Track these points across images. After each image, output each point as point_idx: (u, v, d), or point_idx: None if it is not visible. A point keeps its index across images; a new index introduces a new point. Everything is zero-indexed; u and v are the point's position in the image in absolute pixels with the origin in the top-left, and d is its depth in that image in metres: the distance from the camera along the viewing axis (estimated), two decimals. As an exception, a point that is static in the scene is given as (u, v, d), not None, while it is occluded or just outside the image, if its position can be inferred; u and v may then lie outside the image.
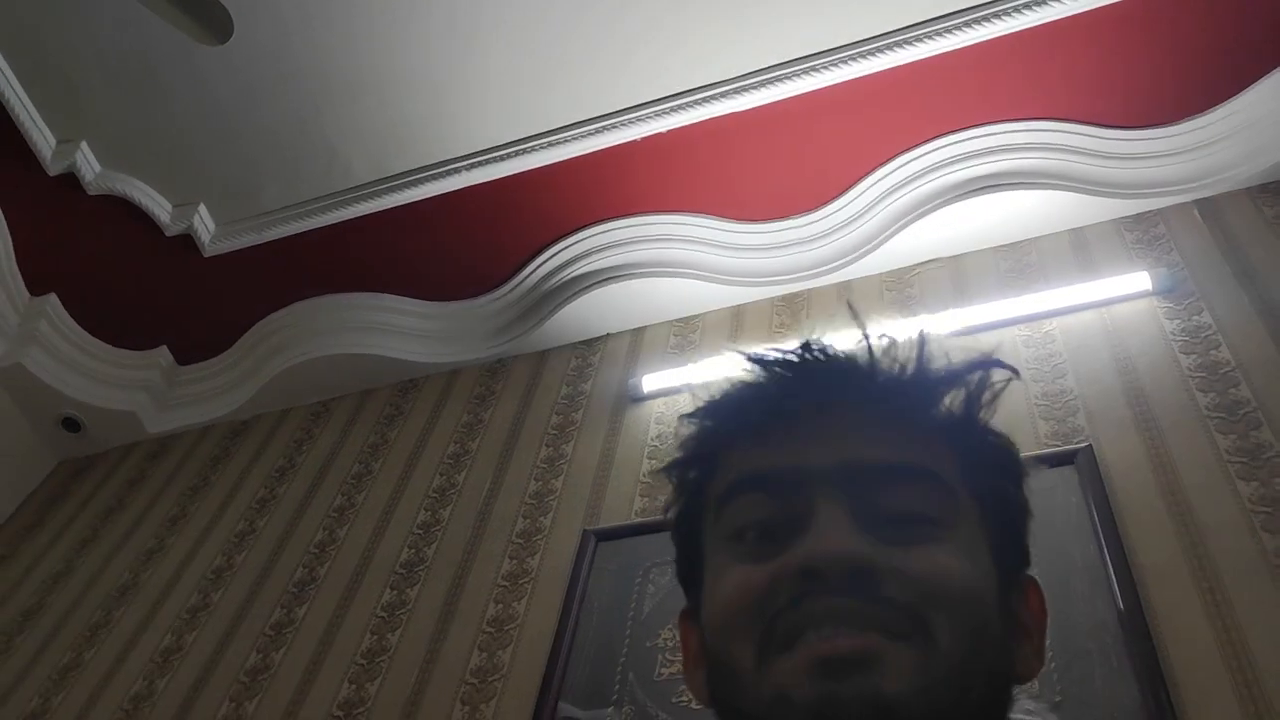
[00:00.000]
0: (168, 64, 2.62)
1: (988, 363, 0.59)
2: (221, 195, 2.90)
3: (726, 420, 0.60)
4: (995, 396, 0.60)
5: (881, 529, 0.53)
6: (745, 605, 0.52)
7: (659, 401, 2.50)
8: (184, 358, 3.13)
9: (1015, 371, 0.61)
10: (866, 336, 0.59)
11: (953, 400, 0.59)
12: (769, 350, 0.60)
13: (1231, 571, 1.62)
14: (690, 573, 0.61)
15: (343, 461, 2.78)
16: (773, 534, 0.55)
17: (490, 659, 2.02)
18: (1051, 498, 1.84)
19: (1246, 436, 1.83)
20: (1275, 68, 2.30)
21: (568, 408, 2.63)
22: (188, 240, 2.94)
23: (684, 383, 2.49)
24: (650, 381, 2.53)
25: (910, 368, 0.58)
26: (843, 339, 0.61)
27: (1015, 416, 2.06)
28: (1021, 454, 0.63)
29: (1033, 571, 0.61)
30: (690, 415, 0.62)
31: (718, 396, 0.61)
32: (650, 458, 2.34)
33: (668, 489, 0.65)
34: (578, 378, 2.73)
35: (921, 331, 0.59)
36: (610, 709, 1.80)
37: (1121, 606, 1.60)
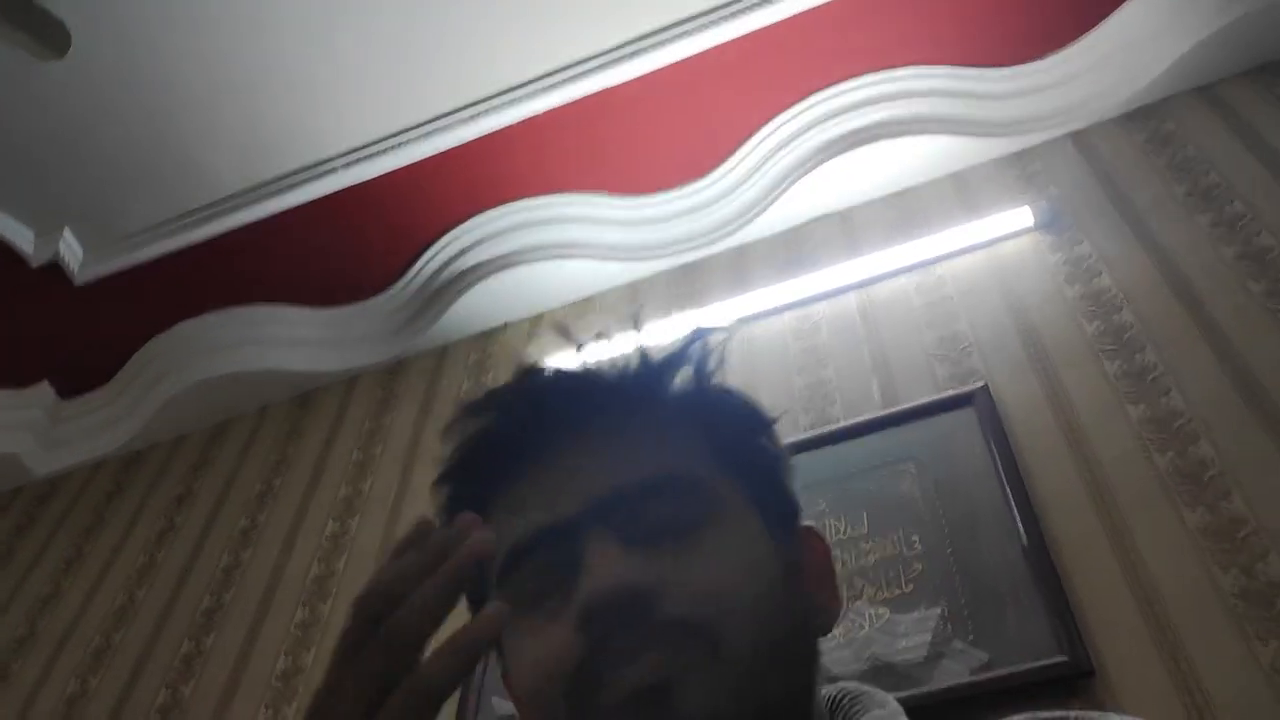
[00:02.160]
0: (5, 84, 2.48)
1: (698, 334, 0.62)
2: (86, 219, 2.76)
3: (472, 479, 0.62)
4: (719, 359, 0.62)
5: (654, 541, 0.54)
6: (546, 670, 0.53)
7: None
8: (67, 391, 3.00)
9: (724, 330, 0.64)
10: (579, 347, 0.64)
11: (683, 378, 0.61)
12: (490, 393, 0.62)
13: (1128, 496, 1.63)
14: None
15: (243, 482, 2.69)
16: (550, 593, 0.55)
17: (407, 667, 1.97)
18: (952, 441, 1.84)
19: (1132, 360, 1.85)
20: (1130, -4, 2.33)
21: (470, 402, 2.57)
22: (56, 269, 2.80)
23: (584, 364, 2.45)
24: (553, 366, 2.48)
25: (633, 365, 0.61)
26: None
27: (912, 363, 2.06)
28: (762, 408, 0.64)
29: (806, 520, 0.63)
30: (440, 478, 0.64)
31: (458, 453, 0.63)
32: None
33: None
34: (479, 370, 2.68)
35: (639, 345, 0.62)
36: None
37: (1026, 543, 1.60)
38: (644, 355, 0.61)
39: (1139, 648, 1.43)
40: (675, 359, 0.62)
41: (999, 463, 1.74)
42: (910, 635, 1.59)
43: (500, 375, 2.58)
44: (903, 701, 0.60)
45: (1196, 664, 1.39)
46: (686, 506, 0.56)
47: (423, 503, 2.33)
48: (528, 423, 0.60)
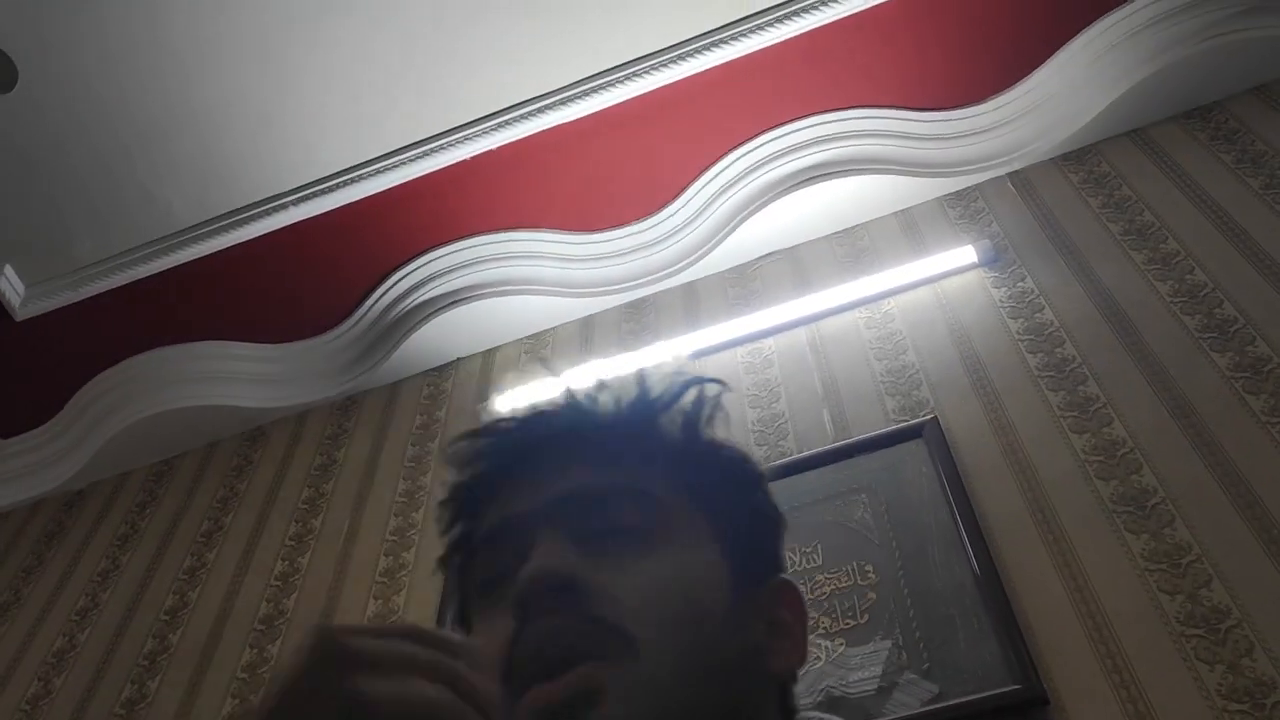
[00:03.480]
0: (-51, 118, 2.44)
1: (697, 380, 0.63)
2: (29, 254, 2.72)
3: (466, 484, 0.63)
4: (714, 411, 0.63)
5: (598, 543, 0.55)
6: (489, 653, 0.51)
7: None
8: (5, 430, 2.92)
9: (723, 383, 0.64)
10: (567, 387, 0.63)
11: (671, 423, 0.62)
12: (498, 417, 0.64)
13: (1073, 521, 1.68)
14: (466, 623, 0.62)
15: (190, 520, 2.64)
16: (506, 576, 0.56)
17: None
18: (903, 471, 1.88)
19: (1075, 391, 1.91)
20: (1062, 45, 2.42)
21: (423, 438, 2.56)
22: (-5, 305, 2.76)
23: (538, 400, 2.46)
24: (504, 401, 2.49)
25: (626, 401, 0.62)
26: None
27: (864, 396, 2.10)
28: (756, 465, 0.66)
29: (788, 575, 0.64)
30: (451, 473, 0.65)
31: (462, 457, 0.64)
32: (510, 479, 2.30)
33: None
34: (431, 405, 2.67)
35: (640, 369, 0.63)
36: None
37: (976, 568, 1.64)
38: (642, 394, 0.62)
39: (1089, 673, 1.47)
40: (667, 403, 0.62)
41: (949, 492, 1.78)
42: (863, 668, 1.61)
43: (454, 410, 2.57)
44: None
45: (1146, 689, 1.42)
46: (636, 517, 0.57)
47: (375, 540, 2.31)
48: (516, 458, 0.61)
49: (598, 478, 0.59)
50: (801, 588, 0.66)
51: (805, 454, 2.01)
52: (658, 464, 0.60)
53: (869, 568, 1.74)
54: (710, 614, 0.55)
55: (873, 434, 1.98)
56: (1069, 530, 1.67)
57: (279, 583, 2.33)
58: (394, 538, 2.29)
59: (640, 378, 0.63)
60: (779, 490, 1.89)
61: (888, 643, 1.62)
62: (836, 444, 2.01)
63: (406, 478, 2.45)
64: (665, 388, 0.63)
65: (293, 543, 2.42)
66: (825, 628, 1.68)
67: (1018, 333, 2.08)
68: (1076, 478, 1.75)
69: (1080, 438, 1.82)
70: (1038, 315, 2.10)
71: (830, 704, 1.57)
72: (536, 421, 0.62)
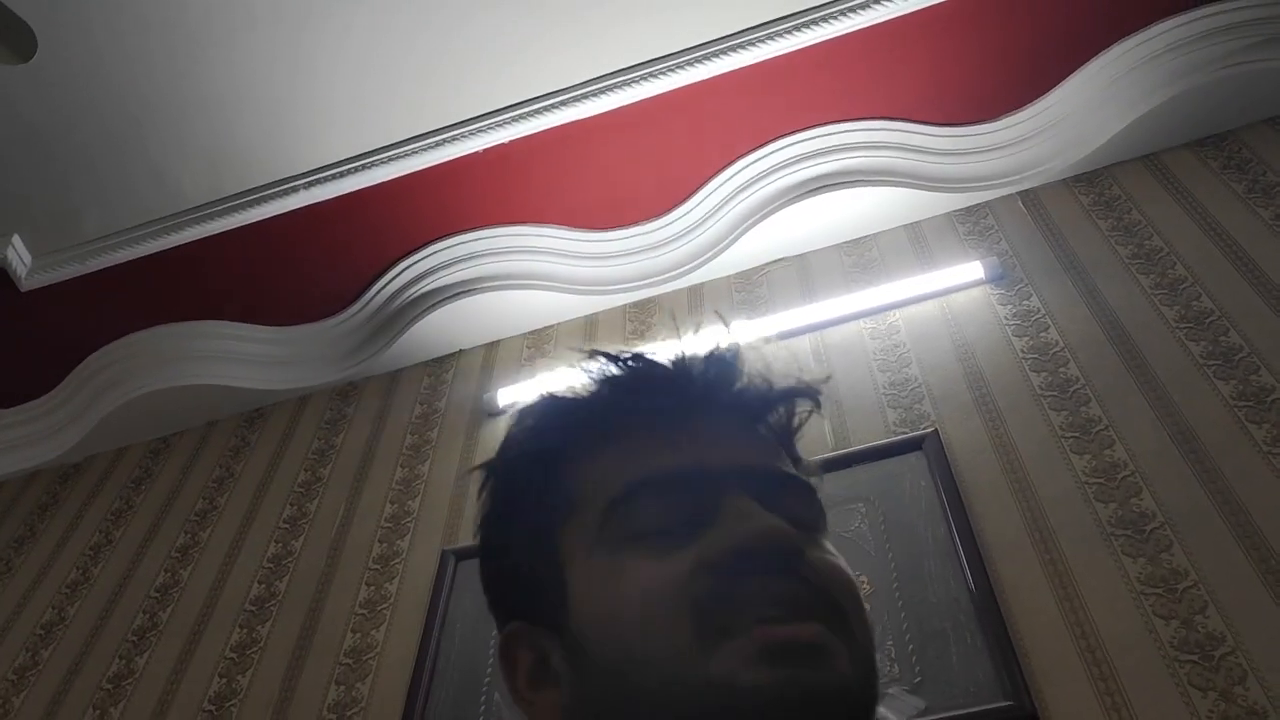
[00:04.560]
0: (-35, 86, 2.44)
1: (801, 391, 0.61)
2: (37, 225, 2.72)
3: (563, 430, 0.59)
4: (800, 425, 0.62)
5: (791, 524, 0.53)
6: (665, 594, 0.49)
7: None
8: (5, 399, 2.92)
9: (818, 403, 0.62)
10: (718, 346, 0.60)
11: (776, 420, 0.61)
12: (602, 361, 0.59)
13: (1070, 542, 1.68)
14: (542, 582, 0.56)
15: (185, 499, 2.64)
16: (673, 532, 0.52)
17: (349, 692, 1.94)
18: (901, 483, 1.88)
19: (1077, 412, 1.91)
20: (1079, 67, 2.42)
21: (422, 427, 2.56)
22: (1, 275, 2.75)
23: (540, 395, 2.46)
24: (505, 395, 2.49)
25: (749, 382, 0.60)
26: (695, 345, 0.60)
27: (865, 407, 2.10)
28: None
29: None
30: (518, 423, 0.61)
31: (543, 407, 0.60)
32: (508, 472, 2.30)
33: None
34: (431, 395, 2.67)
35: (736, 345, 0.61)
36: (477, 732, 1.75)
37: (972, 584, 1.64)
38: (755, 380, 0.61)
39: (1081, 694, 1.47)
40: (780, 397, 0.61)
41: (947, 506, 1.78)
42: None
43: (454, 401, 2.57)
44: None
45: (1138, 713, 1.42)
46: (810, 509, 0.57)
47: (370, 526, 2.31)
48: (627, 391, 0.58)
49: (767, 459, 0.57)
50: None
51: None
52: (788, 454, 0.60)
53: (863, 578, 1.74)
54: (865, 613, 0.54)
55: (873, 444, 1.99)
56: (1066, 551, 1.67)
57: (271, 565, 2.32)
58: (389, 525, 2.29)
59: (739, 356, 0.61)
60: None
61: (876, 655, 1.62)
62: (836, 452, 2.01)
63: (404, 465, 2.45)
64: (769, 380, 0.61)
65: (287, 526, 2.42)
66: (818, 636, 1.68)
67: (1022, 351, 2.08)
68: (1076, 499, 1.75)
69: (1081, 459, 1.82)
70: (1043, 334, 2.10)
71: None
72: (674, 371, 0.59)
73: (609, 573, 0.52)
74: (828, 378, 0.64)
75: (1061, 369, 2.01)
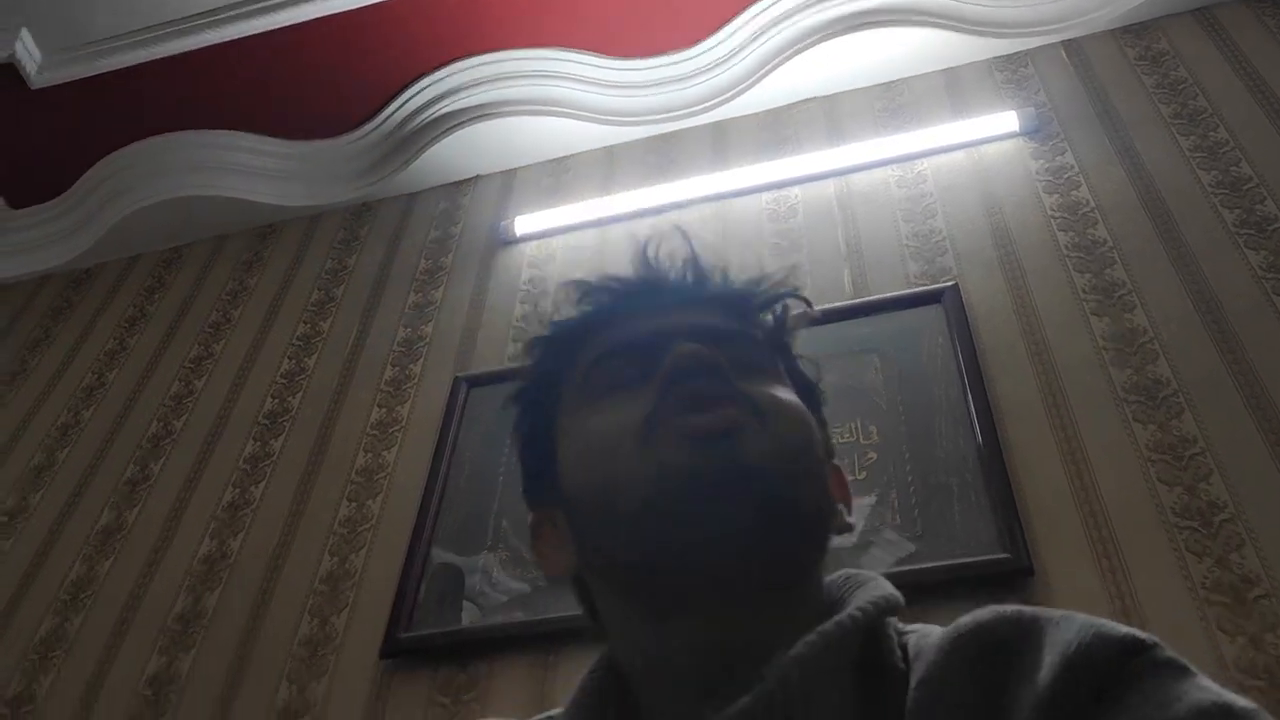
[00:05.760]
0: None
1: (787, 292, 0.71)
2: (45, 21, 2.62)
3: (577, 322, 0.68)
4: (797, 324, 0.71)
5: (733, 366, 0.61)
6: (622, 424, 0.58)
7: (531, 245, 2.44)
8: (17, 200, 2.89)
9: (808, 302, 0.73)
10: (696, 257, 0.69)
11: (764, 318, 0.70)
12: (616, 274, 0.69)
13: (1083, 408, 1.68)
14: (544, 456, 0.66)
15: (199, 310, 2.64)
16: (631, 384, 0.61)
17: (359, 509, 1.99)
18: (918, 337, 1.87)
19: (1101, 275, 1.88)
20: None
21: (437, 251, 2.54)
22: (11, 70, 2.67)
23: (557, 225, 2.43)
24: (522, 223, 2.46)
25: (733, 279, 0.70)
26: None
27: (887, 256, 2.07)
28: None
29: (836, 461, 0.69)
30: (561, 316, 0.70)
31: (565, 315, 0.70)
32: (523, 302, 2.29)
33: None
34: (447, 220, 2.63)
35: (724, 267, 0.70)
36: (485, 553, 1.80)
37: (981, 444, 1.65)
38: (748, 280, 0.70)
39: (1078, 553, 1.50)
40: (768, 300, 0.70)
41: (962, 362, 1.78)
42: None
43: (470, 226, 2.54)
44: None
45: (1132, 573, 1.45)
46: (756, 356, 0.64)
47: (383, 349, 2.32)
48: (638, 296, 0.68)
49: (726, 322, 0.65)
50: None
51: (821, 307, 2.00)
52: (764, 339, 0.68)
53: (873, 428, 1.76)
54: (813, 449, 0.61)
55: (892, 295, 1.97)
56: (1077, 414, 1.68)
57: (284, 380, 2.35)
58: (401, 349, 2.30)
59: (744, 274, 0.70)
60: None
61: (869, 500, 1.64)
62: (854, 301, 1.99)
63: (418, 290, 2.44)
64: (765, 285, 0.70)
65: (299, 343, 2.43)
66: (822, 481, 1.71)
67: (1051, 208, 2.04)
68: (1092, 362, 1.74)
69: (1101, 321, 1.80)
70: (1074, 192, 2.05)
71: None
72: (654, 270, 0.68)
73: (581, 422, 0.62)
74: (809, 302, 0.75)
75: (1090, 229, 1.97)
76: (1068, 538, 1.52)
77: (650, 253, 0.68)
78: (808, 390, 0.68)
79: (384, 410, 2.17)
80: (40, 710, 1.85)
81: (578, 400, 0.63)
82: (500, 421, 2.00)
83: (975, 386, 1.74)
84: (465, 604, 1.73)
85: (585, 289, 0.69)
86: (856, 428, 1.76)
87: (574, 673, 1.59)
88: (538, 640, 1.64)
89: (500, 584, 1.74)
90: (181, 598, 1.96)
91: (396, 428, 2.12)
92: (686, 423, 0.56)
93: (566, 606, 1.65)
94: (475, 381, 2.11)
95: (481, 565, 1.78)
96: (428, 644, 1.69)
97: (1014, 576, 1.49)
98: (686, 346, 0.59)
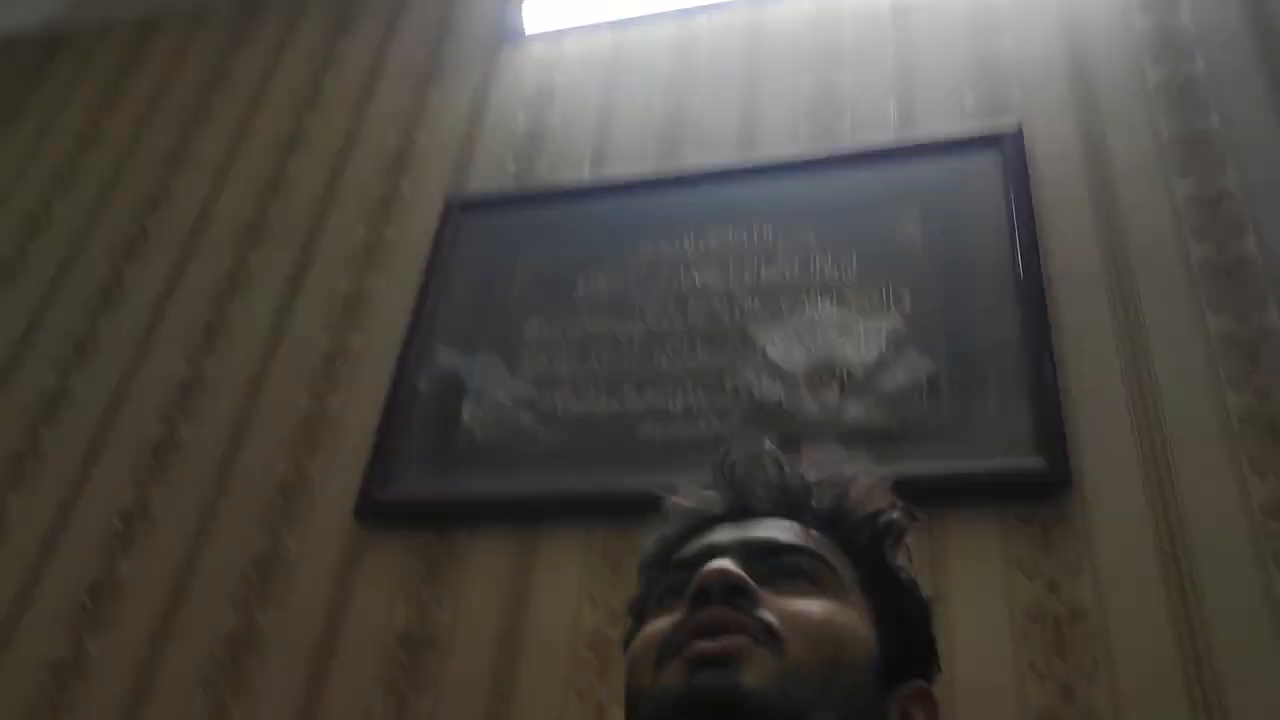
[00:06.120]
0: None
1: (895, 507, 0.77)
2: None
3: (674, 530, 0.78)
4: (899, 539, 0.76)
5: (771, 577, 0.66)
6: (653, 639, 0.65)
7: (542, 44, 2.15)
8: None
9: (914, 516, 0.78)
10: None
11: (860, 529, 0.74)
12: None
13: (1152, 287, 1.46)
14: (633, 627, 0.76)
15: (176, 94, 2.41)
16: (679, 593, 0.67)
17: (339, 343, 1.83)
18: (968, 187, 1.63)
19: (1192, 124, 1.61)
20: None
21: (436, 42, 2.26)
22: None
23: (570, 24, 2.13)
24: (533, 17, 2.16)
25: (831, 496, 0.76)
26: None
27: (942, 82, 1.80)
28: (925, 596, 0.78)
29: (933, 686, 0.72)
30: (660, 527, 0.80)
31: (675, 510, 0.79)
32: (530, 113, 2.04)
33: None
34: (450, 4, 2.34)
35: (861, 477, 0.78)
36: (469, 404, 1.65)
37: (1026, 323, 1.44)
38: (850, 497, 0.76)
39: (1124, 466, 1.32)
40: (863, 516, 0.76)
41: (1017, 225, 1.55)
42: (865, 339, 1.52)
43: (475, 12, 2.26)
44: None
45: (1182, 493, 1.29)
46: (811, 568, 0.68)
47: (372, 156, 2.10)
48: (721, 506, 0.77)
49: (789, 535, 0.70)
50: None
51: (861, 144, 1.75)
52: (845, 554, 0.72)
53: (904, 295, 1.55)
54: (850, 665, 0.63)
55: (943, 134, 1.71)
56: (1143, 294, 1.46)
57: (266, 188, 2.15)
58: (391, 159, 2.08)
59: (852, 481, 0.77)
60: (823, 182, 1.67)
61: (898, 380, 1.46)
62: (899, 137, 1.74)
63: (413, 90, 2.19)
64: (869, 498, 0.76)
65: (285, 143, 2.21)
66: (846, 355, 1.53)
67: (1143, 34, 1.73)
68: (1168, 234, 1.51)
69: (1185, 182, 1.55)
70: (1171, 19, 1.74)
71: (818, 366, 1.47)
72: (739, 486, 0.76)
73: (647, 619, 0.70)
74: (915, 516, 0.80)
75: (1184, 64, 1.68)
76: (1114, 445, 1.35)
77: (732, 472, 0.76)
78: (889, 602, 0.70)
79: (369, 231, 1.98)
80: (8, 533, 1.78)
81: (653, 599, 0.72)
82: (498, 258, 1.81)
83: (1029, 254, 1.52)
84: (450, 457, 1.59)
85: (685, 500, 0.79)
86: (886, 294, 1.56)
87: (557, 548, 1.48)
88: (521, 512, 1.51)
89: (487, 425, 1.60)
90: (155, 425, 1.85)
91: (382, 252, 1.94)
92: (692, 648, 0.60)
93: (553, 482, 1.52)
94: (469, 205, 1.90)
95: (466, 417, 1.64)
96: (405, 508, 1.57)
97: (1047, 488, 1.32)
98: (713, 569, 0.63)
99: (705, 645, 0.59)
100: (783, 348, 1.55)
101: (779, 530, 0.70)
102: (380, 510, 1.57)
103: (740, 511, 0.74)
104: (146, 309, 2.03)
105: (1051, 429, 1.34)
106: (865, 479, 0.76)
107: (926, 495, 1.34)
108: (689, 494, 0.79)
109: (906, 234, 1.62)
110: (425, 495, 1.57)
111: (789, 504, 0.74)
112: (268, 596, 1.56)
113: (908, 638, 0.71)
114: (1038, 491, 1.33)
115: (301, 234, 2.03)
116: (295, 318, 1.90)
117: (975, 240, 1.57)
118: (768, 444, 0.77)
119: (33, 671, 1.58)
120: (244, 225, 2.09)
